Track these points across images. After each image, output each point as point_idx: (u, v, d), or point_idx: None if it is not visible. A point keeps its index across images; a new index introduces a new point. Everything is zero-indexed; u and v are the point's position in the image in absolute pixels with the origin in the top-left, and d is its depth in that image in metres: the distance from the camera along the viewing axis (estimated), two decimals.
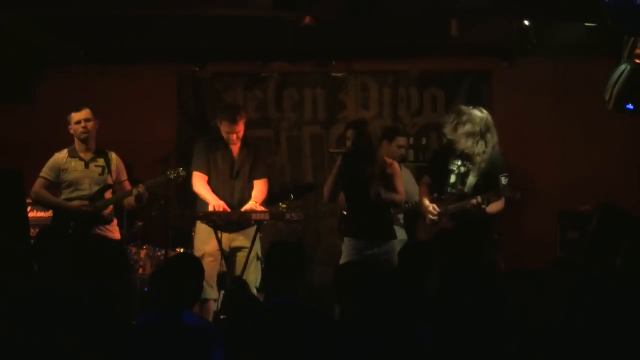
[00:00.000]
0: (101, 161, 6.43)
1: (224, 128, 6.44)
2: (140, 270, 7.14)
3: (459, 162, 6.30)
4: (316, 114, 8.76)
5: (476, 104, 6.55)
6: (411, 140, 8.22)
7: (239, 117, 6.45)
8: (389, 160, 6.20)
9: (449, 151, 6.47)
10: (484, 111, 6.24)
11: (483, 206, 6.02)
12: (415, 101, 8.68)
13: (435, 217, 6.28)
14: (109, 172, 6.39)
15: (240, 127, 6.44)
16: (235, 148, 6.52)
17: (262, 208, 6.45)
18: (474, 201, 6.02)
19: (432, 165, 6.75)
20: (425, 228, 6.40)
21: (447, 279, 3.99)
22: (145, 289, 6.66)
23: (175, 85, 8.79)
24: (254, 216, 6.30)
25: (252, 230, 6.42)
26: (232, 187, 6.49)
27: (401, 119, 8.64)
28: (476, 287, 3.75)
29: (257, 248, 6.42)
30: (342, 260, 5.99)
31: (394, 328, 3.61)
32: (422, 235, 6.43)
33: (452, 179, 6.30)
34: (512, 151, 7.67)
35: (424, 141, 8.56)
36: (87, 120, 6.36)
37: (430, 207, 6.30)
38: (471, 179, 6.20)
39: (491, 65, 8.46)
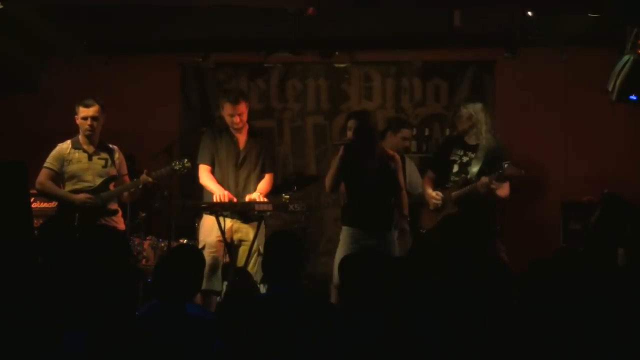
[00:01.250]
0: (104, 154, 6.39)
1: (226, 111, 6.42)
2: (144, 262, 7.15)
3: (461, 152, 6.31)
4: (319, 104, 8.75)
5: (479, 94, 6.56)
6: (414, 131, 8.19)
7: (241, 98, 6.42)
8: (390, 152, 6.18)
9: (451, 142, 6.48)
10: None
11: (492, 186, 6.02)
12: (419, 92, 8.66)
13: (438, 202, 6.28)
14: (113, 164, 6.37)
15: (243, 109, 6.40)
16: (242, 137, 6.49)
17: (265, 199, 6.44)
18: (483, 180, 6.02)
19: (435, 159, 6.75)
20: (430, 217, 6.41)
21: (452, 271, 4.01)
22: (149, 279, 6.68)
23: (178, 76, 8.78)
24: (257, 207, 6.27)
25: (257, 223, 6.40)
26: (236, 176, 6.46)
27: (404, 110, 8.62)
28: (480, 278, 3.76)
29: (260, 242, 6.33)
30: (339, 249, 5.99)
31: (395, 318, 3.61)
32: (427, 224, 6.44)
33: (455, 168, 6.32)
34: (515, 142, 7.68)
35: (427, 132, 8.54)
36: (94, 118, 6.28)
37: (434, 193, 6.31)
38: (474, 168, 6.21)
39: (494, 56, 8.43)
